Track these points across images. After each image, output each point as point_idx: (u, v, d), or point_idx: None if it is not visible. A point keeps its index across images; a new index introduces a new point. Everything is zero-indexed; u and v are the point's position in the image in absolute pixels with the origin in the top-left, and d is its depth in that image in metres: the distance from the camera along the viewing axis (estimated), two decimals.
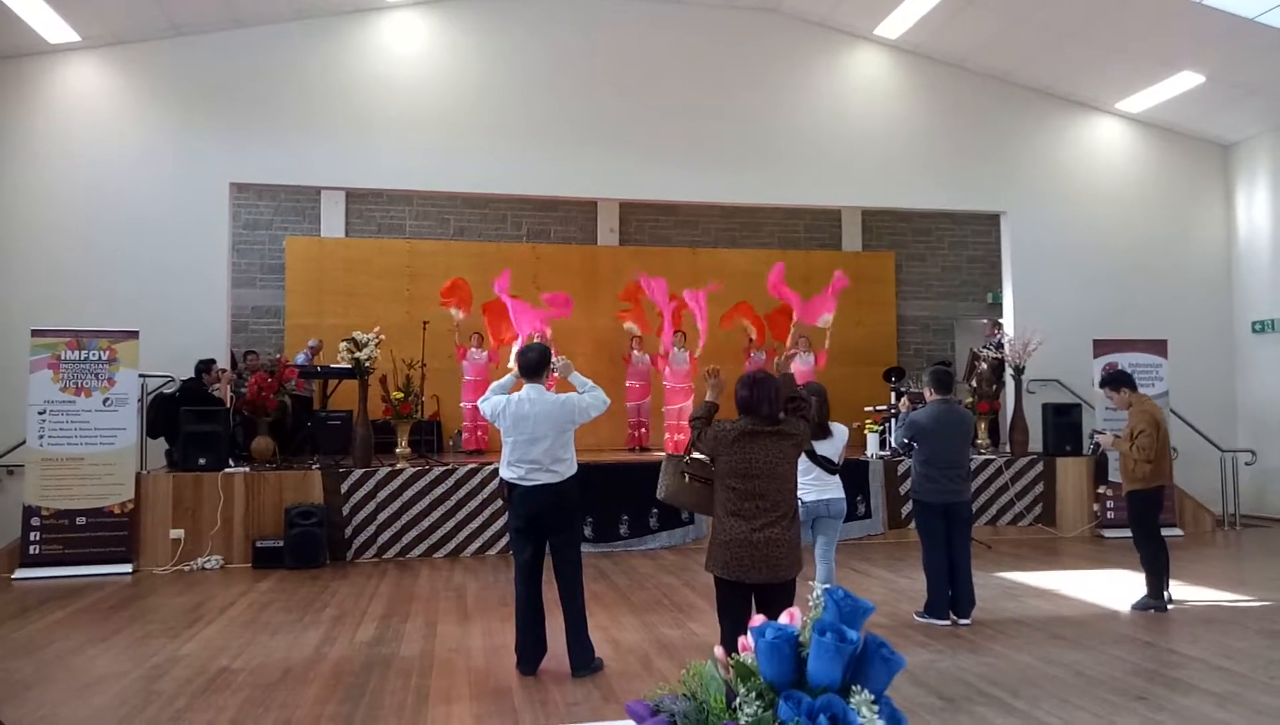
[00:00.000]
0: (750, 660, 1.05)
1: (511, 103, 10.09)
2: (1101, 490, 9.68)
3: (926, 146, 11.00)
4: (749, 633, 1.08)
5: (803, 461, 5.43)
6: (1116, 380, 6.60)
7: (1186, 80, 10.35)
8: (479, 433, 10.68)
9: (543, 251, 13.32)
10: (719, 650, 1.10)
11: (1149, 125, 11.57)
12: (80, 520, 7.88)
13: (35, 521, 7.80)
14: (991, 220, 12.74)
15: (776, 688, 1.01)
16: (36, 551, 7.78)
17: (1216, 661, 5.10)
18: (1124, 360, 9.79)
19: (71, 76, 9.31)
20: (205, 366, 9.01)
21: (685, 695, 1.04)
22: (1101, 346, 10.24)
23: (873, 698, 0.97)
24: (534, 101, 10.14)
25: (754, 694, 1.00)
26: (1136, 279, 11.27)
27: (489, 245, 13.30)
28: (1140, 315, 10.90)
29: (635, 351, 11.42)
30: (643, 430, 11.39)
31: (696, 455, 4.16)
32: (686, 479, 4.15)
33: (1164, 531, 6.65)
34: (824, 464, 5.40)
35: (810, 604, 1.06)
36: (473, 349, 10.78)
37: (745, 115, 10.59)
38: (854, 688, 0.98)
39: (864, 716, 0.94)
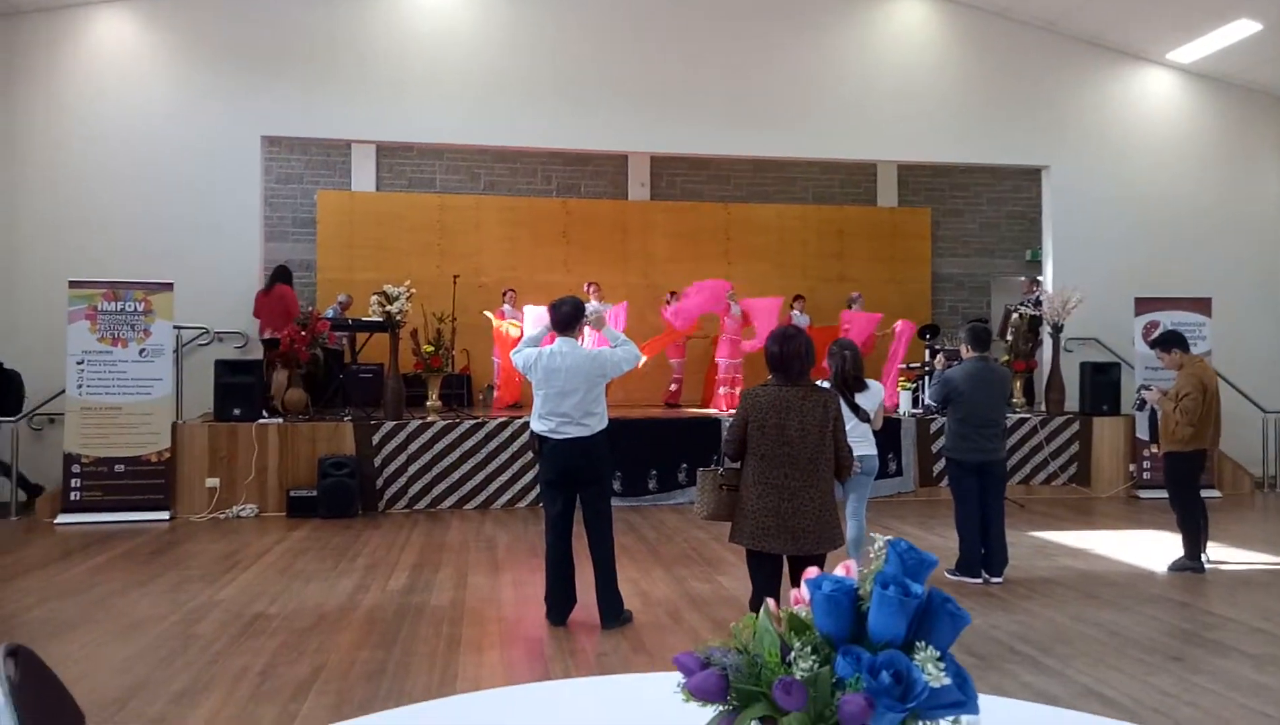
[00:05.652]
0: (805, 613, 1.01)
1: (542, 56, 9.92)
2: (1152, 450, 9.33)
3: (967, 99, 10.69)
4: (804, 584, 1.03)
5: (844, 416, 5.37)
6: (1167, 341, 6.43)
7: (1242, 29, 9.93)
8: (513, 387, 10.68)
9: (573, 206, 13.21)
10: (771, 602, 1.06)
11: (1201, 77, 11.15)
12: (119, 468, 8.02)
13: (75, 468, 7.96)
14: (1032, 175, 12.44)
15: (833, 642, 0.97)
16: (77, 498, 7.95)
17: (1254, 623, 5.03)
18: (1166, 319, 9.56)
19: (104, 30, 9.27)
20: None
21: (737, 648, 1.00)
22: (1143, 304, 10.01)
23: (938, 654, 0.92)
24: (565, 55, 9.96)
25: (809, 648, 0.96)
26: (1182, 235, 10.95)
27: (519, 200, 13.22)
28: (1185, 273, 10.60)
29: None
30: (674, 387, 11.36)
31: (730, 466, 4.10)
32: (724, 491, 4.07)
33: (1202, 493, 6.53)
34: (860, 413, 5.35)
35: (871, 556, 1.02)
36: (506, 307, 10.74)
37: (780, 67, 10.33)
38: (918, 644, 0.93)
39: (929, 673, 0.90)
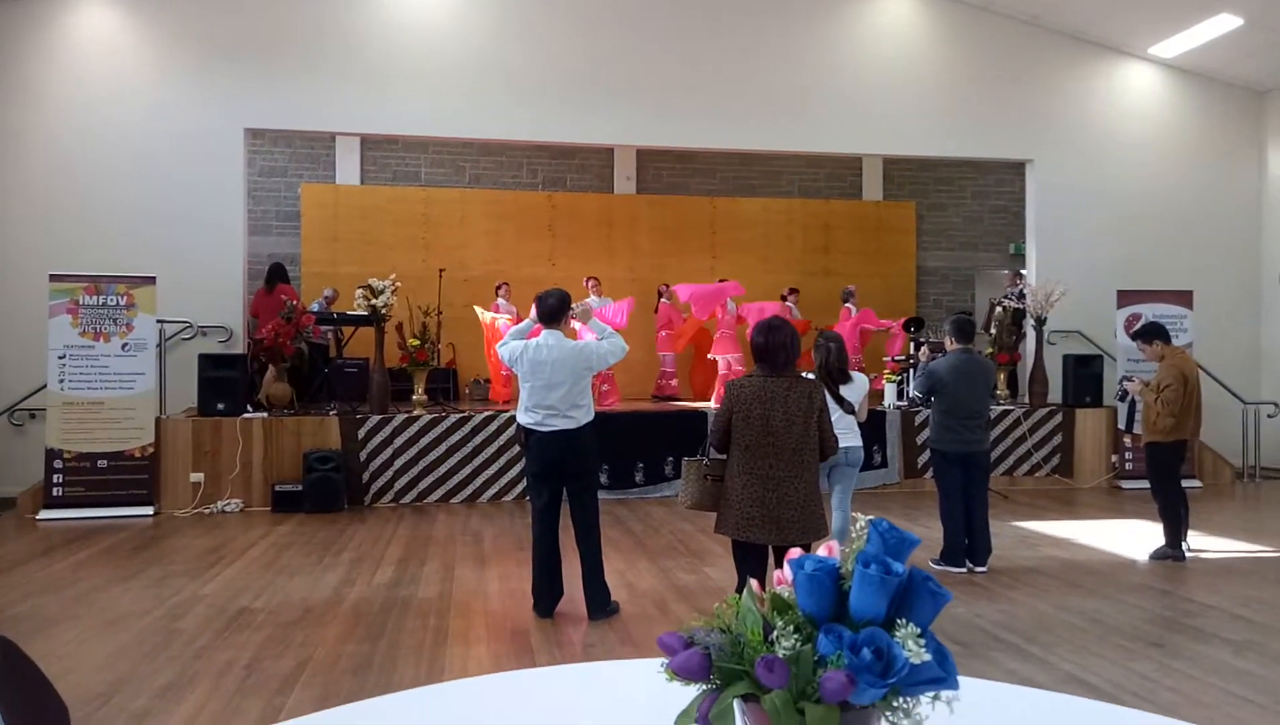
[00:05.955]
0: (787, 593, 1.02)
1: (529, 49, 9.87)
2: (1128, 440, 9.44)
3: (952, 93, 10.72)
4: (786, 565, 1.04)
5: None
6: (1149, 332, 6.49)
7: (1224, 23, 10.00)
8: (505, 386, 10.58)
9: (559, 200, 13.18)
10: (754, 582, 1.07)
11: (1182, 71, 11.23)
12: (102, 463, 7.96)
13: (58, 464, 7.89)
14: (1015, 170, 12.50)
15: (815, 621, 0.98)
16: (59, 493, 7.88)
17: (1234, 610, 5.09)
18: (1148, 311, 9.65)
19: (86, 19, 9.16)
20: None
21: (720, 628, 1.01)
22: (1126, 297, 10.09)
23: (919, 631, 0.93)
24: (552, 48, 9.92)
25: (791, 627, 0.97)
26: (1164, 229, 11.04)
27: (505, 193, 13.18)
28: (1166, 266, 10.70)
29: (665, 302, 11.37)
30: (675, 381, 11.36)
31: (715, 457, 4.11)
32: (709, 482, 4.09)
33: (1183, 483, 6.60)
34: (845, 405, 5.38)
35: (853, 536, 1.03)
36: (500, 301, 10.68)
37: (766, 61, 10.33)
38: (899, 621, 0.94)
39: (910, 650, 0.91)
